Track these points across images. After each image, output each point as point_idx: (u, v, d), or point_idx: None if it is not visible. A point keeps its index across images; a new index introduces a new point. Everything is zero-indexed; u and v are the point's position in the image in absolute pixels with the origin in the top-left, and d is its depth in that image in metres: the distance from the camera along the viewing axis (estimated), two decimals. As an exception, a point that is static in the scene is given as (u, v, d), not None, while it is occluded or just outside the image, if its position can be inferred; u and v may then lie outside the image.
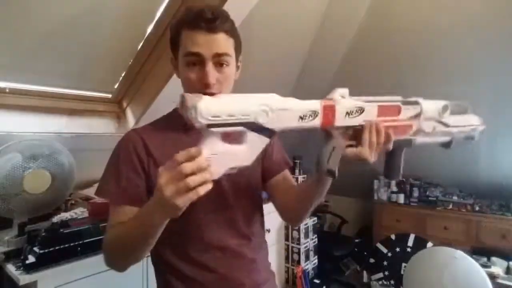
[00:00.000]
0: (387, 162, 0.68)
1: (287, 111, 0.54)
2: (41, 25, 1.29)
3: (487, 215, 2.46)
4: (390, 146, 0.62)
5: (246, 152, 0.52)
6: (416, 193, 2.85)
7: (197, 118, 0.46)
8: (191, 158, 0.47)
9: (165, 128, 0.79)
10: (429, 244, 2.46)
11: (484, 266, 1.91)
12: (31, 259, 1.14)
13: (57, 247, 1.20)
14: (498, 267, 2.07)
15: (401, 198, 2.86)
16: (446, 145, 0.73)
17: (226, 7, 1.38)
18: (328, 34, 2.14)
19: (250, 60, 1.93)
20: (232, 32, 0.70)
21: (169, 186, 0.48)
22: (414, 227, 2.70)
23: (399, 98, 0.66)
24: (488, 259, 2.18)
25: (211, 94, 0.65)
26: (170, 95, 1.66)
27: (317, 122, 0.57)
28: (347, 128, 0.61)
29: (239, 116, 0.49)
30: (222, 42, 0.67)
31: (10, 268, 1.16)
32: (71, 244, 1.24)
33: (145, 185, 0.71)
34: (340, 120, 0.59)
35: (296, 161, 2.86)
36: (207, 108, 0.47)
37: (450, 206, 2.65)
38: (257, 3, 1.50)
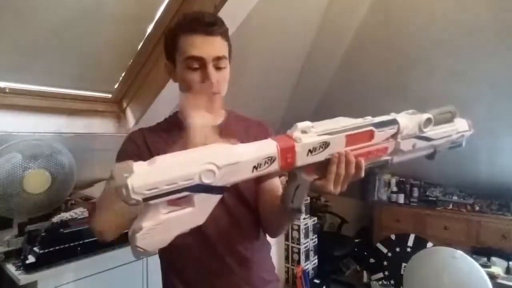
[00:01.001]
0: (362, 184, 0.65)
1: (237, 164, 0.46)
2: (41, 25, 1.28)
3: (487, 215, 2.46)
4: (362, 174, 0.57)
5: (196, 214, 0.45)
6: (416, 193, 2.85)
7: (130, 196, 0.38)
8: None
9: (166, 131, 0.80)
10: (429, 244, 2.46)
11: (484, 266, 1.91)
12: (31, 259, 1.14)
13: (57, 247, 1.20)
14: (498, 267, 2.06)
15: (401, 198, 2.86)
16: (429, 156, 0.67)
17: (226, 7, 1.38)
18: (328, 34, 2.14)
19: (251, 60, 1.94)
20: (226, 36, 0.74)
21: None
22: (414, 227, 2.70)
23: (372, 120, 0.59)
24: (488, 259, 2.18)
25: (213, 94, 0.72)
26: (170, 95, 1.66)
27: (275, 166, 0.50)
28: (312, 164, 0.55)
29: (181, 182, 0.42)
30: (220, 45, 0.71)
31: (10, 268, 1.16)
32: (71, 244, 1.24)
33: None
34: (302, 160, 0.52)
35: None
36: (140, 181, 0.39)
37: (450, 206, 2.65)
38: (257, 4, 1.50)
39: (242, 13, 1.49)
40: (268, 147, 0.50)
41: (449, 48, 1.97)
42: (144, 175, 0.40)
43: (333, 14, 2.00)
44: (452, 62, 2.04)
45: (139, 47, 1.62)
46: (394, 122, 0.60)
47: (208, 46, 0.69)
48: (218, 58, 0.70)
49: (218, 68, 0.71)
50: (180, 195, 0.43)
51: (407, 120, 0.61)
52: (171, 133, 0.78)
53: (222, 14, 1.38)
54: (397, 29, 2.03)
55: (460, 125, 0.68)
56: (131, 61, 1.68)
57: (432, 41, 1.98)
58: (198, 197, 0.44)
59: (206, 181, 0.44)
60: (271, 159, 0.49)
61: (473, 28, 1.83)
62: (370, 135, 0.58)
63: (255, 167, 0.48)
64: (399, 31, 2.03)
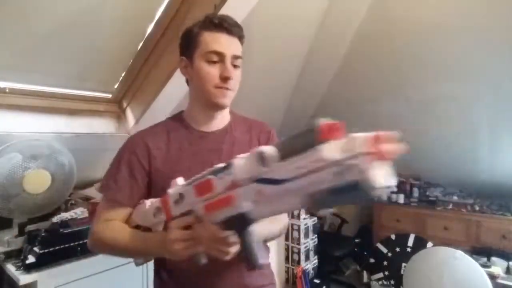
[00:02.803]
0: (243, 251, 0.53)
1: (145, 212, 0.67)
2: (41, 25, 1.29)
3: (487, 215, 2.46)
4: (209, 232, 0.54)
5: None
6: (416, 193, 2.85)
7: None
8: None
9: (168, 131, 0.80)
10: (429, 244, 2.46)
11: (484, 266, 1.91)
12: (31, 259, 1.14)
13: (57, 247, 1.20)
14: (498, 267, 2.07)
15: (401, 198, 2.86)
16: (314, 208, 0.50)
17: (226, 7, 1.38)
18: (328, 35, 2.14)
19: (251, 60, 1.93)
20: (242, 41, 0.79)
21: (178, 243, 0.57)
22: (414, 227, 2.70)
23: (214, 167, 0.54)
24: (488, 259, 2.18)
25: (227, 89, 0.76)
26: (170, 95, 1.66)
27: (163, 216, 0.62)
28: (182, 214, 0.59)
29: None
30: (238, 46, 0.77)
31: (10, 268, 1.16)
32: (71, 244, 1.24)
33: (141, 189, 0.76)
34: (173, 210, 0.60)
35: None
36: None
37: (450, 206, 2.64)
38: (257, 4, 1.50)
39: (242, 13, 1.49)
40: (157, 200, 0.64)
41: (449, 48, 1.97)
42: None
43: (333, 14, 2.00)
44: (452, 62, 2.04)
45: (139, 47, 1.63)
46: (229, 165, 0.50)
47: (229, 44, 0.75)
48: (235, 57, 0.76)
49: (234, 66, 0.76)
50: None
51: (243, 162, 0.49)
52: (176, 135, 0.79)
53: (223, 13, 1.38)
54: (397, 29, 2.03)
55: (332, 150, 0.37)
56: (131, 61, 1.68)
57: (432, 41, 1.98)
58: None
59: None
60: (159, 209, 0.63)
61: (474, 28, 1.83)
62: (209, 184, 0.53)
63: (153, 215, 0.64)
64: (399, 31, 2.03)
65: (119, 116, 1.87)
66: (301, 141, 0.41)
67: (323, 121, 0.38)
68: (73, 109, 1.66)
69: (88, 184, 1.82)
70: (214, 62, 0.74)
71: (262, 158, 0.44)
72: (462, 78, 2.08)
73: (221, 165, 0.53)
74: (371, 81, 2.41)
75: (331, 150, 0.37)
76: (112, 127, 1.82)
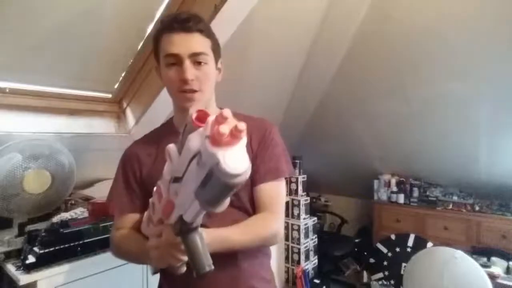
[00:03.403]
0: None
1: (143, 222, 0.67)
2: (41, 25, 1.28)
3: (487, 215, 2.46)
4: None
5: None
6: (416, 193, 2.85)
7: None
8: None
9: (159, 138, 0.81)
10: (429, 244, 2.46)
11: (484, 266, 1.91)
12: (31, 259, 1.14)
13: (57, 247, 1.20)
14: (498, 267, 2.07)
15: (401, 198, 2.86)
16: (204, 207, 0.37)
17: (226, 7, 1.38)
18: (329, 34, 2.14)
19: (251, 60, 1.94)
20: (207, 33, 0.73)
21: (154, 251, 0.56)
22: (414, 227, 2.70)
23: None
24: (488, 259, 2.18)
25: (191, 91, 0.71)
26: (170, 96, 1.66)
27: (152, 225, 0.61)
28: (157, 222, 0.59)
29: None
30: (198, 42, 0.71)
31: (10, 268, 1.16)
32: (71, 244, 1.24)
33: (140, 196, 0.78)
34: (154, 217, 0.59)
35: (296, 161, 2.86)
36: None
37: (450, 206, 2.65)
38: (257, 4, 1.50)
39: (242, 13, 1.49)
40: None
41: (449, 47, 1.97)
42: None
43: (334, 14, 2.00)
44: (452, 62, 2.04)
45: (139, 47, 1.62)
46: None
47: (184, 43, 0.69)
48: (195, 54, 0.70)
49: (197, 64, 0.71)
50: None
51: (167, 161, 0.46)
52: (165, 141, 0.76)
53: (222, 14, 1.38)
54: (397, 29, 2.03)
55: (196, 138, 0.36)
56: (131, 61, 1.68)
57: (432, 40, 1.98)
58: None
59: None
60: (150, 219, 0.61)
61: (474, 28, 1.83)
62: (159, 189, 0.51)
63: (147, 225, 0.64)
64: (399, 31, 2.04)
65: (119, 116, 1.87)
66: (184, 134, 0.38)
67: (195, 110, 0.37)
68: (73, 109, 1.66)
69: (88, 184, 1.82)
70: (173, 65, 0.71)
71: (169, 156, 0.43)
72: (462, 78, 2.08)
73: None
74: (371, 81, 2.41)
75: (195, 137, 0.35)
76: (112, 127, 1.81)
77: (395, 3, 1.93)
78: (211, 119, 0.33)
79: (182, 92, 0.72)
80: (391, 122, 2.60)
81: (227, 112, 0.31)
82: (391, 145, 2.81)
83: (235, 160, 0.30)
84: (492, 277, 1.83)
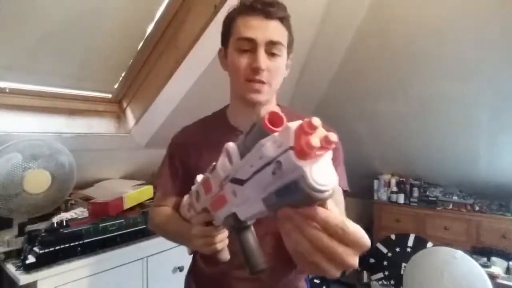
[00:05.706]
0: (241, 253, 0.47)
1: (183, 206, 0.66)
2: (41, 25, 1.28)
3: (487, 215, 2.46)
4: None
5: None
6: (416, 193, 2.85)
7: None
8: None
9: (207, 128, 0.80)
10: (429, 244, 2.46)
11: (484, 266, 1.91)
12: (31, 259, 1.14)
13: (57, 247, 1.20)
14: (498, 267, 2.07)
15: (401, 198, 2.86)
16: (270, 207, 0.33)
17: (226, 7, 1.37)
18: (329, 34, 2.14)
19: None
20: (287, 23, 0.69)
21: (198, 239, 0.55)
22: (414, 227, 2.70)
23: (212, 165, 0.49)
24: (488, 259, 2.18)
25: (260, 82, 0.65)
26: (170, 95, 1.66)
27: (193, 212, 0.61)
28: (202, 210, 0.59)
29: None
30: (277, 30, 0.66)
31: (10, 268, 1.16)
32: (71, 244, 1.24)
33: (183, 181, 0.80)
34: (196, 206, 0.59)
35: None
36: None
37: (450, 206, 2.64)
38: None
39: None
40: (187, 196, 0.65)
41: (449, 47, 1.97)
42: None
43: (334, 13, 1.99)
44: (452, 62, 2.04)
45: (139, 47, 1.62)
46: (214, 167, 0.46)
47: (262, 29, 0.64)
48: (272, 43, 0.65)
49: (271, 55, 0.66)
50: None
51: (222, 158, 0.44)
52: (213, 132, 0.77)
53: (222, 14, 1.38)
54: (397, 28, 2.03)
55: (271, 144, 0.31)
56: (131, 61, 1.68)
57: (432, 40, 1.98)
58: None
59: None
60: (191, 205, 0.62)
61: (474, 28, 1.83)
62: (208, 182, 0.49)
63: (187, 210, 0.63)
64: (400, 30, 2.03)
65: (119, 116, 1.87)
66: (251, 136, 0.35)
67: (267, 111, 0.33)
68: (73, 109, 1.66)
69: (88, 184, 1.82)
70: (246, 51, 0.65)
71: (228, 155, 0.40)
72: (462, 77, 2.08)
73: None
74: (371, 81, 2.41)
75: (270, 144, 0.31)
76: (112, 127, 1.81)
77: (395, 3, 1.93)
78: (292, 126, 0.29)
79: (250, 82, 0.66)
80: (391, 122, 2.60)
81: (317, 121, 0.27)
82: (391, 145, 2.80)
83: (324, 175, 0.27)
84: (492, 277, 1.83)
